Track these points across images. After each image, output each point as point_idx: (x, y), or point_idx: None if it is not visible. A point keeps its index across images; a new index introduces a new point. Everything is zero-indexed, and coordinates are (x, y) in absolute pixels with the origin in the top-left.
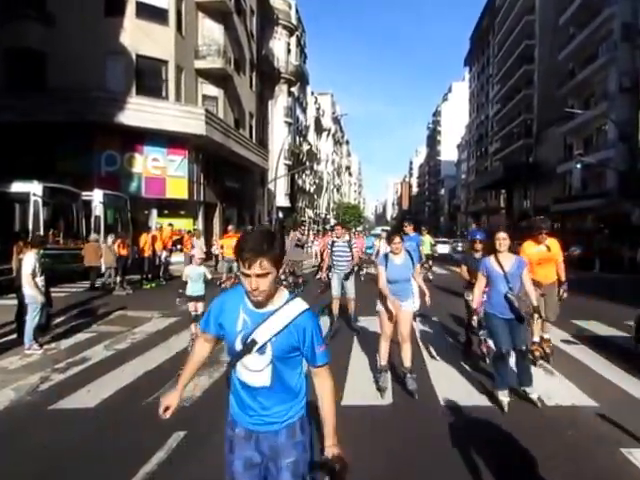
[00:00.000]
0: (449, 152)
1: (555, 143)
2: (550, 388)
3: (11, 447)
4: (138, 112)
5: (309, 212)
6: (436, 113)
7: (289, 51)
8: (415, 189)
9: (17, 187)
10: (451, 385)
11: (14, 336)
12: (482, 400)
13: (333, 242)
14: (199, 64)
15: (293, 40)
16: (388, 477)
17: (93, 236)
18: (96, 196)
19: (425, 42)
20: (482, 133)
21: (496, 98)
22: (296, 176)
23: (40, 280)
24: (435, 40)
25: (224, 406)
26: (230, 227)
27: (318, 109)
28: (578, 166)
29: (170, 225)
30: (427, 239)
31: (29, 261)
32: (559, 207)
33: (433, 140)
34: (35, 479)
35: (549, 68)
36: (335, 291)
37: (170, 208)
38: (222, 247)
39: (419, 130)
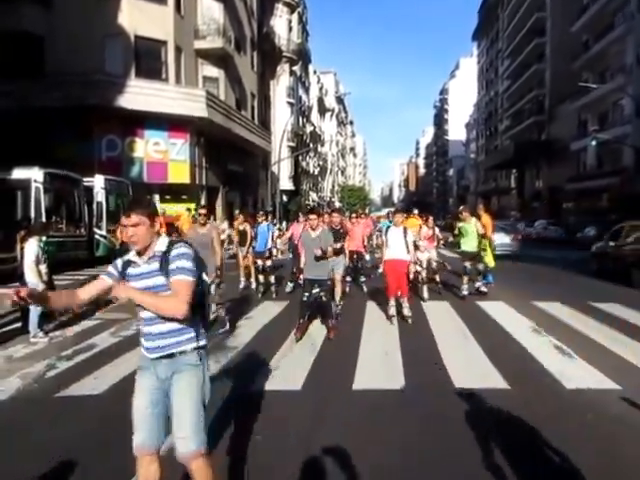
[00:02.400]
0: (457, 131)
1: (568, 119)
2: (569, 370)
3: (18, 435)
4: (138, 95)
5: (313, 195)
6: (443, 91)
7: (290, 29)
8: (422, 170)
9: (18, 174)
10: (466, 367)
11: (19, 325)
12: (497, 382)
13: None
14: (199, 44)
15: (295, 17)
16: (401, 459)
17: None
18: (97, 182)
19: (432, 18)
20: (491, 111)
21: (506, 74)
22: (300, 158)
23: (43, 267)
24: (442, 15)
25: (234, 389)
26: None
27: (321, 89)
28: (593, 143)
29: (188, 210)
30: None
31: (31, 249)
32: (573, 186)
33: (440, 119)
34: (42, 467)
35: (562, 41)
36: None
37: (172, 193)
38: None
39: (425, 110)
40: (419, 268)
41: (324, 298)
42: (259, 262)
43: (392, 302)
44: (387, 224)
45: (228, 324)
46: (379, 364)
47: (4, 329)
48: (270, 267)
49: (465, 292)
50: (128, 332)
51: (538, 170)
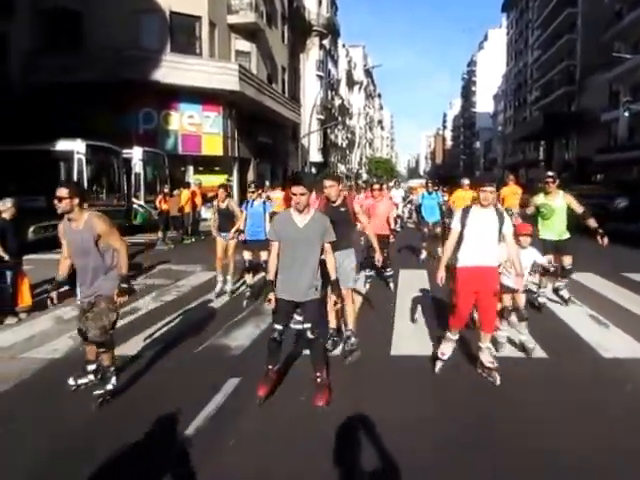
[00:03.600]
0: (485, 103)
1: (600, 90)
2: (605, 340)
3: (70, 391)
4: (173, 69)
5: (341, 167)
6: (471, 63)
7: (320, 3)
8: (449, 142)
9: (61, 145)
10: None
11: (66, 288)
12: (535, 352)
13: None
14: (232, 19)
15: None
16: (436, 422)
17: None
18: (136, 153)
19: None
20: (520, 82)
21: (536, 44)
22: (328, 131)
23: None
24: None
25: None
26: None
27: (350, 62)
28: (626, 114)
29: (228, 180)
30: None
31: None
32: (603, 157)
33: (468, 91)
34: (91, 421)
35: (594, 11)
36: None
37: (205, 164)
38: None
39: (453, 82)
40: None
41: (310, 335)
42: (246, 255)
43: (454, 336)
44: (427, 197)
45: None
46: (413, 331)
47: (54, 292)
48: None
49: (543, 299)
50: (168, 297)
51: (567, 142)
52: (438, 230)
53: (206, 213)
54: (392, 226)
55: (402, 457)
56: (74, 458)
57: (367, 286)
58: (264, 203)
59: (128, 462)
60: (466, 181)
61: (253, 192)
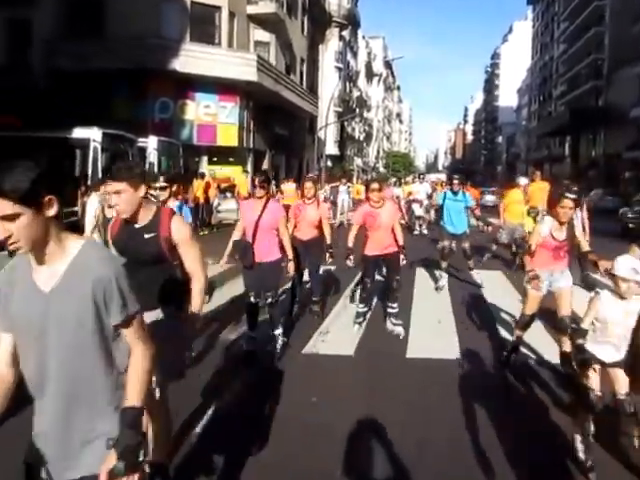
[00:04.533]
0: (508, 97)
1: (629, 85)
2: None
3: None
4: (191, 59)
5: (357, 161)
6: (494, 56)
7: None
8: (470, 137)
9: (78, 133)
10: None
11: None
12: (553, 356)
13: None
14: (251, 9)
15: None
16: (455, 423)
17: None
18: (151, 143)
19: None
20: (546, 76)
21: (563, 37)
22: (345, 123)
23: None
24: None
25: (286, 353)
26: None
27: (369, 53)
28: None
29: (246, 172)
30: None
31: (92, 204)
32: (632, 154)
33: (491, 84)
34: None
35: (623, 3)
36: None
37: (220, 155)
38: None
39: (475, 75)
40: None
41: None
42: None
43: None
44: (451, 198)
45: None
46: (431, 334)
47: None
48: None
49: None
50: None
51: (595, 137)
52: (466, 246)
53: (226, 204)
54: (400, 240)
55: (412, 459)
56: None
57: (358, 329)
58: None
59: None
60: (524, 180)
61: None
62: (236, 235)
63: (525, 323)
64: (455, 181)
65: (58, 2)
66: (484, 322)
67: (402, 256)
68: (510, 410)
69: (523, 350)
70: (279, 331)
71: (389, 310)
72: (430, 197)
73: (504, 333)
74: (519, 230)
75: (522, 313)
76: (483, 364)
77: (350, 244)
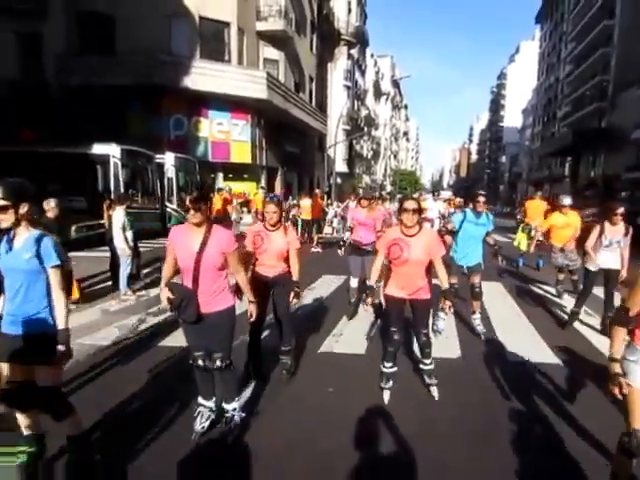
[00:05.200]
0: (513, 117)
1: (632, 107)
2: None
3: (121, 374)
4: (202, 76)
5: (366, 178)
6: (501, 76)
7: (350, 11)
8: (474, 156)
9: (97, 149)
10: (518, 344)
11: (109, 283)
12: (549, 358)
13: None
14: (261, 26)
15: None
16: (452, 420)
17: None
18: (168, 159)
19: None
20: (551, 97)
21: (569, 58)
22: (354, 142)
23: (129, 234)
24: None
25: (303, 352)
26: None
27: (377, 72)
28: None
29: (262, 188)
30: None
31: (119, 216)
32: (631, 175)
33: (496, 105)
34: (141, 403)
35: (631, 25)
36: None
37: (234, 172)
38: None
39: (481, 95)
40: None
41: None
42: None
43: None
44: (472, 220)
45: None
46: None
47: (98, 286)
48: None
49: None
50: None
51: (595, 158)
52: (477, 281)
53: (245, 218)
54: (443, 282)
55: (418, 451)
56: (120, 439)
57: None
58: None
59: (162, 446)
60: (567, 200)
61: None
62: (167, 271)
63: None
64: (481, 199)
65: (68, 17)
66: (485, 329)
67: (446, 303)
68: (510, 406)
69: (519, 353)
70: (234, 405)
71: (421, 366)
72: (444, 217)
73: (502, 338)
74: (571, 257)
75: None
76: (482, 362)
77: (372, 281)
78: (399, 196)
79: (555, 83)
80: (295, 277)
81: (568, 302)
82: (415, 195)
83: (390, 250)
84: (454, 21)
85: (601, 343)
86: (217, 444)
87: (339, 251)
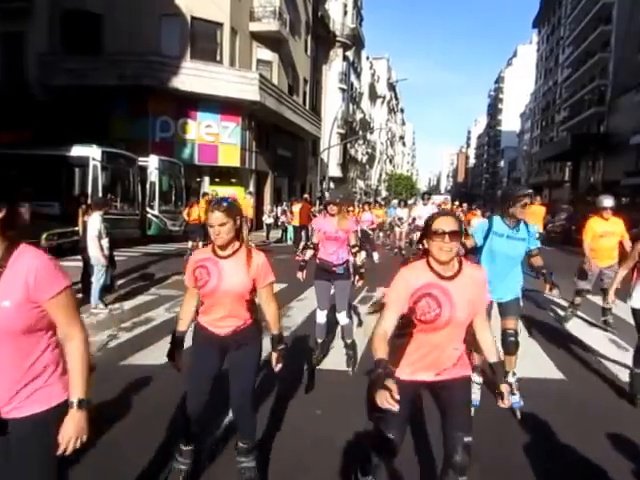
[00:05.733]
0: (511, 121)
1: (630, 111)
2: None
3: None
4: (193, 77)
5: (360, 183)
6: (499, 79)
7: (345, 13)
8: (472, 161)
9: (77, 151)
10: (521, 358)
11: (80, 295)
12: (553, 373)
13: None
14: (254, 27)
15: (350, 0)
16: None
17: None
18: (152, 162)
19: (491, 3)
20: (549, 101)
21: (567, 62)
22: (348, 145)
23: (105, 242)
24: (502, 1)
25: (289, 368)
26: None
27: (373, 75)
28: None
29: (250, 194)
30: None
31: (94, 224)
32: (630, 181)
33: (494, 109)
34: (107, 429)
35: (628, 30)
36: None
37: (222, 176)
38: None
39: (479, 99)
40: None
41: None
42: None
43: None
44: (504, 233)
45: None
46: None
47: None
48: None
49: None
50: None
51: (594, 163)
52: (511, 327)
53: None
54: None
55: (410, 465)
56: (83, 465)
57: None
58: None
59: (137, 464)
60: (608, 201)
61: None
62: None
63: None
64: (525, 200)
65: (53, 16)
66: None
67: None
68: (500, 413)
69: (520, 369)
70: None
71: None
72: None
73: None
74: (607, 274)
75: None
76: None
77: (381, 354)
78: (395, 201)
79: (553, 87)
80: (275, 329)
81: (576, 331)
82: (410, 202)
83: (417, 306)
84: (452, 25)
85: (609, 357)
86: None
87: (299, 274)
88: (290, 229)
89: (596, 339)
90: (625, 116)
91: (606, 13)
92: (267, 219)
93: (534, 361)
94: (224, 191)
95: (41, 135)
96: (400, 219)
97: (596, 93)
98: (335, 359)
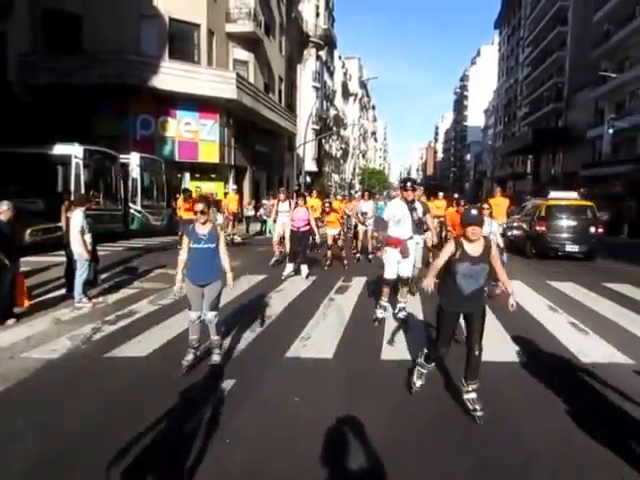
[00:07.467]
0: (476, 117)
1: (586, 107)
2: (585, 346)
3: (71, 391)
4: (171, 76)
5: (335, 177)
6: (464, 78)
7: (318, 14)
8: (440, 155)
9: (59, 149)
10: (485, 342)
11: (63, 290)
12: (515, 356)
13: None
14: (230, 27)
15: (322, 2)
16: (420, 420)
17: None
18: (133, 159)
19: (455, 5)
20: (511, 97)
21: (527, 61)
22: (323, 141)
23: (88, 237)
24: (465, 2)
25: (269, 357)
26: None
27: (345, 73)
28: (610, 131)
29: (235, 189)
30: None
31: (77, 219)
32: (588, 172)
33: (460, 105)
34: (89, 422)
35: (583, 30)
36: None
37: (202, 171)
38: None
39: (446, 95)
40: None
41: None
42: None
43: None
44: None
45: None
46: (403, 336)
47: (51, 294)
48: None
49: None
50: (166, 301)
51: (554, 156)
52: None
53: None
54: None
55: (388, 456)
56: (72, 458)
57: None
58: None
59: (126, 461)
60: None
61: None
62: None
63: None
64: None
65: (33, 15)
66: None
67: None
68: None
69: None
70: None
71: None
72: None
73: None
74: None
75: None
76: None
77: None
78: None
79: (515, 84)
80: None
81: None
82: (385, 193)
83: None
84: (420, 25)
85: (569, 340)
86: (178, 467)
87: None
88: (269, 222)
89: (557, 323)
90: (581, 111)
91: (562, 14)
92: (247, 212)
93: (500, 344)
94: (205, 186)
95: (24, 134)
96: (364, 214)
97: (554, 90)
98: (313, 348)
